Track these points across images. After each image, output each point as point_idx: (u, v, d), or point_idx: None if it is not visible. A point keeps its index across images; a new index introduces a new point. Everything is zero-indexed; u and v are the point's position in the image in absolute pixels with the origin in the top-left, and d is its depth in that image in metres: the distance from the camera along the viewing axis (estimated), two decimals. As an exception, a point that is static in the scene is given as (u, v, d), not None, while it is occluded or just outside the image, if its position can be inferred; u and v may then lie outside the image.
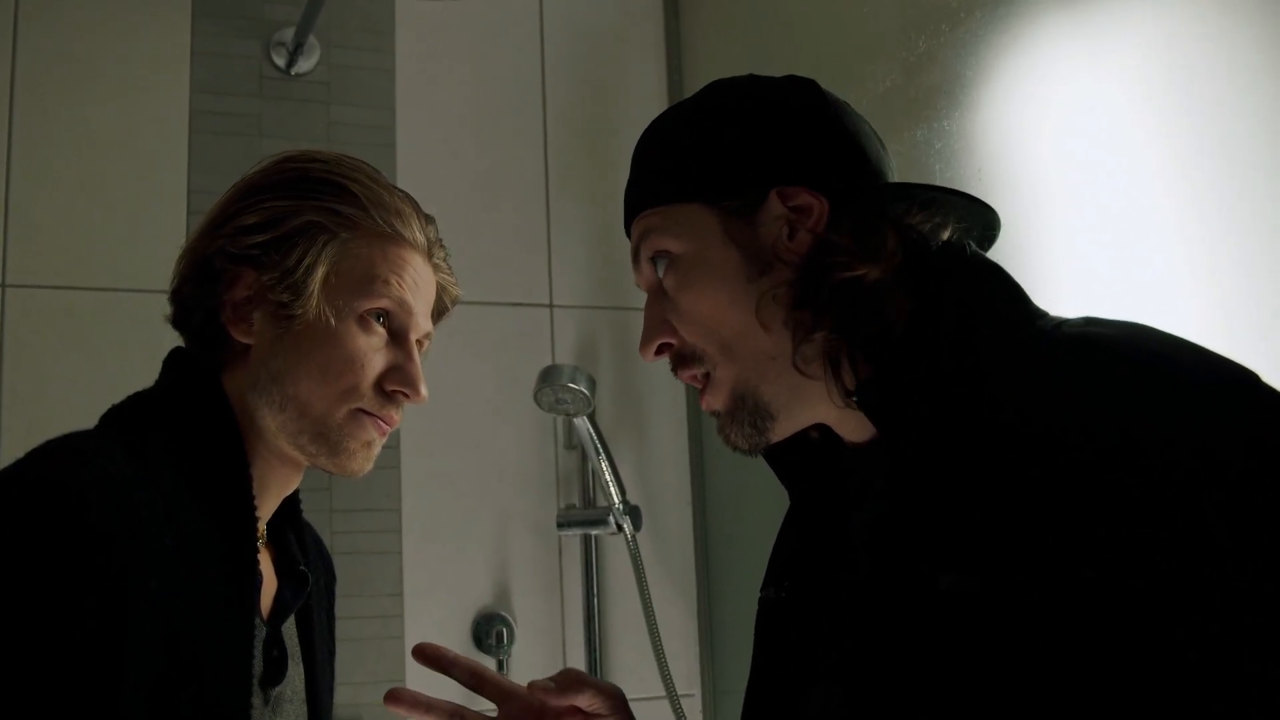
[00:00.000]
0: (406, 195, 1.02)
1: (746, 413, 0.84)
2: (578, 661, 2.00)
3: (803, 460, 0.93)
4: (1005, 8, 1.39)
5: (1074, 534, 0.65)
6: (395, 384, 0.97)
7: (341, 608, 1.15)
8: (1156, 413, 0.66)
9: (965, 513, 0.70)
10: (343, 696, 1.42)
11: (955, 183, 1.43)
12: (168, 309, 1.00)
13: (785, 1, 1.93)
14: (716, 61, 2.17)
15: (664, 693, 1.89)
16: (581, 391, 1.83)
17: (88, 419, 0.94)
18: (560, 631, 2.03)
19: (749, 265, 0.83)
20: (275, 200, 0.96)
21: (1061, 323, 0.77)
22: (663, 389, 2.16)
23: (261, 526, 0.98)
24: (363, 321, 0.96)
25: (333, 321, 0.95)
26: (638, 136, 0.92)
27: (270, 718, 0.95)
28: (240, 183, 0.99)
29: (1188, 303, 1.13)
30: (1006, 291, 0.81)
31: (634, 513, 1.93)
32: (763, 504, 1.87)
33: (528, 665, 1.95)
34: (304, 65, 2.02)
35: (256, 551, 0.92)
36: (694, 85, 1.03)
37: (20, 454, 0.83)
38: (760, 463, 0.93)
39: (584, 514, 2.00)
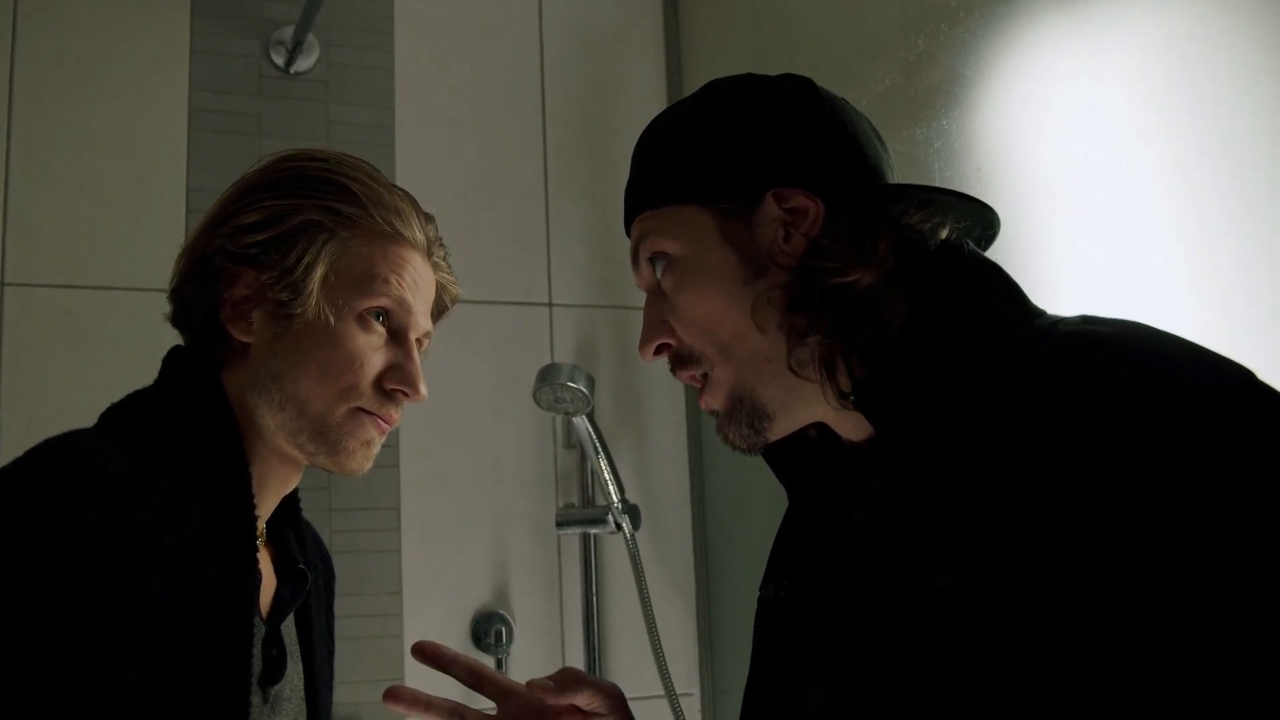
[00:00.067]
0: (406, 194, 1.02)
1: (744, 413, 0.84)
2: (577, 660, 2.00)
3: (801, 459, 0.93)
4: (1004, 7, 1.39)
5: (1073, 533, 0.65)
6: (394, 383, 0.97)
7: (341, 606, 1.15)
8: (1156, 412, 0.66)
9: (964, 512, 0.70)
10: (342, 695, 1.41)
11: (954, 182, 1.43)
12: (167, 307, 1.00)
13: (785, 1, 1.93)
14: (716, 61, 2.17)
15: (663, 692, 1.89)
16: (580, 390, 1.83)
17: (87, 417, 0.94)
18: (559, 630, 2.03)
19: (745, 267, 0.83)
20: (275, 199, 0.96)
21: (1058, 321, 0.77)
22: (662, 388, 2.15)
23: (261, 525, 0.98)
24: (362, 320, 0.96)
25: (332, 320, 0.95)
26: (637, 136, 0.92)
27: (269, 716, 0.95)
28: (240, 181, 0.99)
29: (1187, 302, 1.13)
30: (1005, 290, 0.81)
31: (633, 512, 1.93)
32: (762, 503, 1.87)
33: (527, 664, 1.96)
34: (303, 64, 2.02)
35: (256, 550, 0.92)
36: (693, 85, 1.03)
37: (20, 453, 0.83)
38: (759, 462, 0.93)
39: (583, 513, 1.99)
